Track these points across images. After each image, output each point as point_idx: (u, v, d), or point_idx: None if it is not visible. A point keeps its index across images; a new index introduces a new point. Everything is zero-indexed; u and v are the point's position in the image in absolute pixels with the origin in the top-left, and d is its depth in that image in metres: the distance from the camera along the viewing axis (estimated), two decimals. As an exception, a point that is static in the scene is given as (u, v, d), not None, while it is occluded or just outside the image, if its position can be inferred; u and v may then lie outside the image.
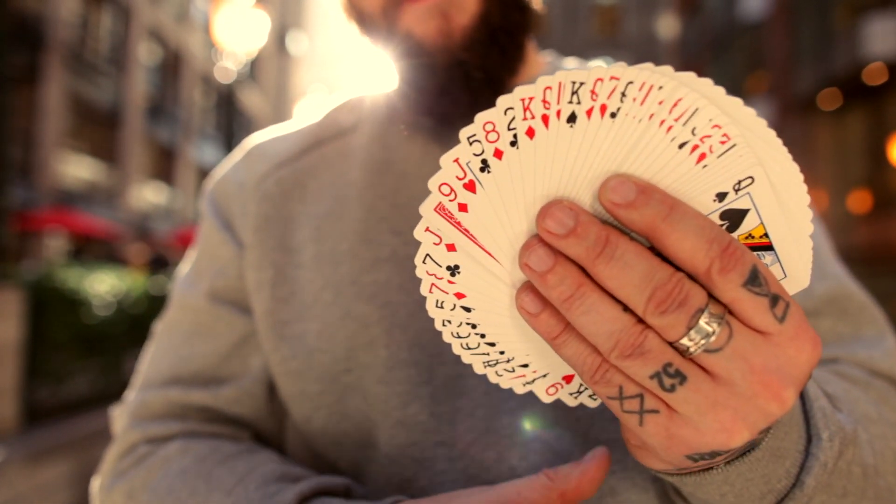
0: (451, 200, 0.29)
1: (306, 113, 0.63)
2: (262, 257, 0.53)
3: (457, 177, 0.29)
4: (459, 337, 0.33)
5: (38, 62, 13.98)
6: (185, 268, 0.61)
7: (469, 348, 0.33)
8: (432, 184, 0.29)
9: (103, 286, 5.01)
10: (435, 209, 0.29)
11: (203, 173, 22.33)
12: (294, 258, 0.53)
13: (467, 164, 0.29)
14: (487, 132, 0.28)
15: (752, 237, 0.29)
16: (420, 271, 0.31)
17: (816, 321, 0.51)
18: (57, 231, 13.92)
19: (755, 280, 0.27)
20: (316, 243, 0.52)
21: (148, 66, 19.12)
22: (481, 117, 0.28)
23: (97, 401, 5.12)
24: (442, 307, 0.32)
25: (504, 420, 0.45)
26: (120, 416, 0.56)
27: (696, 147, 0.28)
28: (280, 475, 0.45)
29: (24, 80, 13.49)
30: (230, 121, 8.82)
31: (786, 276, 0.30)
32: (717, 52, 19.08)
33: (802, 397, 0.38)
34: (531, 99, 0.27)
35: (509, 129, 0.28)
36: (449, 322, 0.32)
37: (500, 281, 0.31)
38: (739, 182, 0.28)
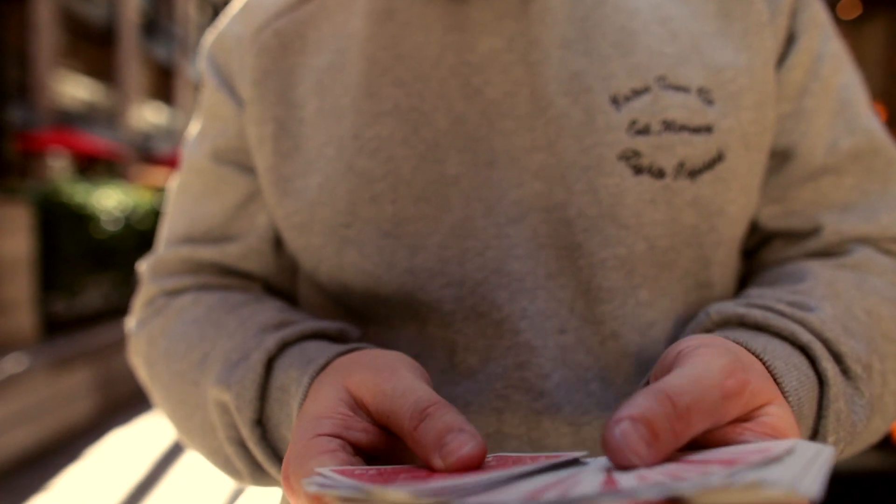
0: None
1: None
2: (262, 112, 0.52)
3: None
4: None
5: (26, -25, 13.44)
6: (193, 129, 0.61)
7: None
8: None
9: (110, 202, 5.03)
10: None
11: (203, 93, 21.80)
12: (296, 113, 0.52)
13: None
14: None
15: None
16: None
17: (839, 179, 0.50)
18: (59, 152, 13.83)
19: None
20: (317, 97, 0.51)
21: (140, -21, 18.37)
22: None
23: (112, 314, 5.25)
24: None
25: (514, 265, 0.45)
26: (144, 270, 0.59)
27: None
28: (277, 323, 0.46)
29: (13, -5, 13.02)
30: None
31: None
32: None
33: (822, 390, 0.38)
34: None
35: None
36: None
37: None
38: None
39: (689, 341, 0.34)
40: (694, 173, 0.45)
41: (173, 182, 0.61)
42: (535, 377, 0.44)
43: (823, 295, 0.43)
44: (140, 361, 0.55)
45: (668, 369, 0.32)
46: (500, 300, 0.45)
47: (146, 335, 0.54)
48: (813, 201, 0.50)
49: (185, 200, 0.57)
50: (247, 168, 0.55)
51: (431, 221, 0.46)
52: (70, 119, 14.89)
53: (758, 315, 0.40)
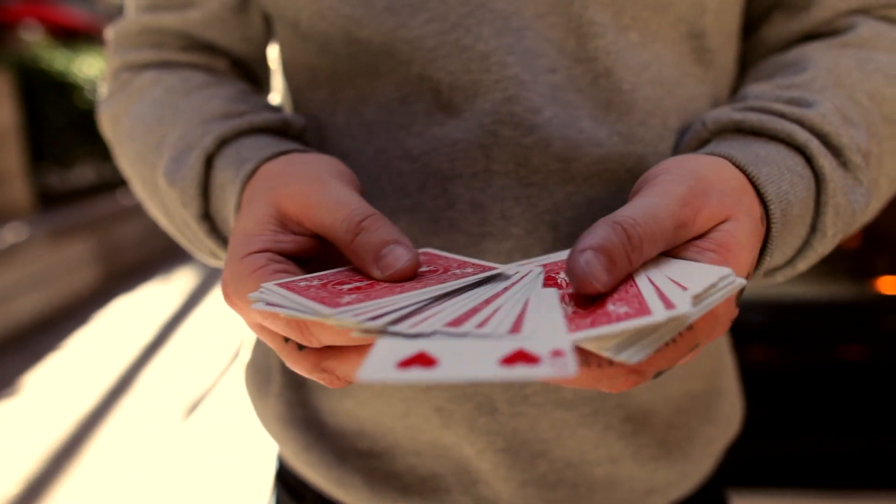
0: None
1: None
2: None
3: None
4: None
5: None
6: None
7: None
8: None
9: (92, 70, 4.87)
10: None
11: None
12: None
13: None
14: None
15: None
16: None
17: None
18: (32, 25, 13.16)
19: None
20: None
21: None
22: None
23: (105, 187, 5.24)
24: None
25: (499, 3, 0.42)
26: (109, 39, 0.57)
27: None
28: (222, 113, 0.46)
29: None
30: None
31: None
32: None
33: (820, 187, 0.38)
34: None
35: None
36: None
37: None
38: None
39: (660, 166, 0.35)
40: None
41: None
42: (524, 111, 0.42)
43: (824, 85, 0.42)
44: (109, 136, 0.55)
45: (635, 194, 0.34)
46: (486, 34, 0.42)
47: (111, 113, 0.54)
48: None
49: None
50: None
51: None
52: (40, -11, 14.01)
53: (754, 120, 0.39)
